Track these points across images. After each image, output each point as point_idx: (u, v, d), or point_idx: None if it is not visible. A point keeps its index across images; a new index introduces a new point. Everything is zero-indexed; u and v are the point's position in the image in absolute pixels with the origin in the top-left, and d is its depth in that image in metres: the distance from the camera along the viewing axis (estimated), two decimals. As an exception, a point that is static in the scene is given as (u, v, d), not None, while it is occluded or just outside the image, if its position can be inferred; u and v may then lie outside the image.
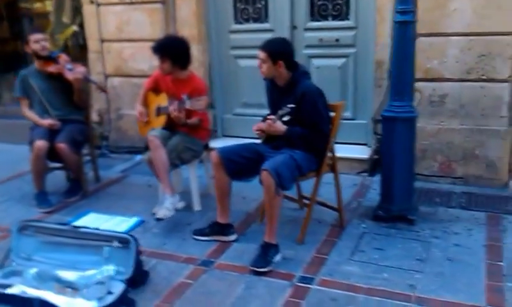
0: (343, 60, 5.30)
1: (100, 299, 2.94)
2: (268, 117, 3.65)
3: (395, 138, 3.89)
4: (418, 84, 4.69)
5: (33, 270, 3.19)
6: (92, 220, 4.20)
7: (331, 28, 5.28)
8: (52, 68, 4.65)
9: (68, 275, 3.15)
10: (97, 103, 6.11)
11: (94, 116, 6.10)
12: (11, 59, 7.36)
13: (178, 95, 4.10)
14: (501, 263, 3.37)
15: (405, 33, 3.76)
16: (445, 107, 4.69)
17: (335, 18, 5.27)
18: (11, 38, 7.62)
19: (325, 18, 5.30)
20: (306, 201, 4.00)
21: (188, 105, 3.96)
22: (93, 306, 2.90)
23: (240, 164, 3.67)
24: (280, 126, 3.58)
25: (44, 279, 3.13)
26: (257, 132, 3.75)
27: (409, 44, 3.80)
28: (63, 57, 4.71)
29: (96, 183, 5.21)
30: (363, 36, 5.14)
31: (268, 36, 5.25)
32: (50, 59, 4.66)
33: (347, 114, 5.33)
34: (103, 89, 5.12)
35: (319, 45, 5.36)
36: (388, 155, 3.96)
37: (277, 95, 3.75)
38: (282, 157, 3.50)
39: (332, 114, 3.76)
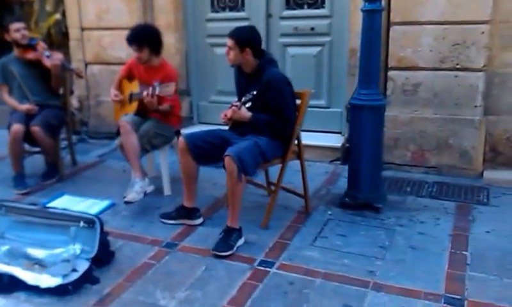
0: (318, 48, 5.29)
1: (64, 276, 2.99)
2: (233, 104, 3.66)
3: (362, 126, 3.89)
4: (391, 73, 4.73)
5: (5, 247, 3.26)
6: (65, 202, 4.21)
7: (307, 17, 5.27)
8: (31, 55, 4.69)
9: (37, 253, 3.19)
10: (77, 90, 6.12)
11: (74, 102, 6.12)
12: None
13: (150, 82, 4.12)
14: (465, 253, 3.34)
15: (372, 22, 3.75)
16: (419, 96, 4.68)
17: (310, 6, 5.26)
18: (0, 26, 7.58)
19: (300, 6, 5.29)
20: (273, 188, 4.01)
21: (157, 91, 3.97)
22: (57, 282, 2.95)
23: (206, 150, 3.67)
24: (245, 113, 3.59)
25: (15, 256, 3.19)
26: (224, 119, 3.76)
27: (376, 33, 3.79)
28: (41, 45, 4.74)
29: (73, 167, 5.24)
30: (338, 24, 5.13)
31: (244, 24, 5.30)
32: (29, 46, 4.70)
33: (322, 102, 5.34)
34: (79, 75, 5.12)
35: (294, 33, 5.35)
36: (356, 143, 3.95)
37: (244, 82, 3.76)
38: (246, 143, 3.50)
39: (298, 101, 3.77)
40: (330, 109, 5.34)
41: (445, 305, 2.80)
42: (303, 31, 5.31)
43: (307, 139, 5.09)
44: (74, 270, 3.05)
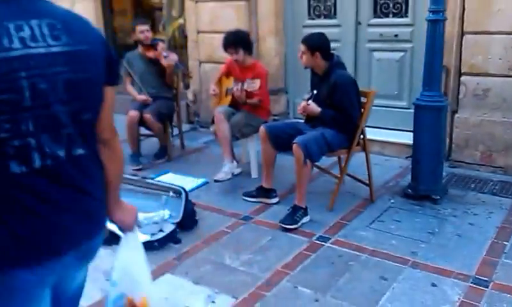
0: (401, 54, 5.43)
1: (152, 234, 3.53)
2: (304, 99, 4.02)
3: (423, 124, 4.06)
4: (463, 78, 4.78)
5: (109, 210, 3.87)
6: (169, 178, 4.78)
7: (391, 24, 5.42)
8: (151, 54, 5.32)
9: (135, 215, 3.77)
10: (192, 85, 6.77)
11: (189, 96, 6.78)
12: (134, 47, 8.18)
13: (243, 79, 4.60)
14: (506, 243, 3.45)
15: (435, 30, 3.91)
16: (488, 101, 4.68)
17: (395, 15, 5.40)
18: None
19: (386, 15, 5.45)
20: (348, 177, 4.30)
21: (245, 86, 4.44)
22: (146, 239, 3.47)
23: (283, 138, 4.03)
24: (315, 108, 3.92)
25: (116, 217, 3.79)
26: (299, 112, 4.12)
27: (439, 40, 3.93)
28: (161, 45, 5.36)
29: (181, 150, 5.85)
30: (419, 32, 5.22)
31: (336, 30, 5.63)
32: (151, 46, 5.33)
33: (404, 103, 5.47)
34: (188, 76, 5.68)
35: (379, 39, 5.52)
36: (418, 140, 4.13)
37: (316, 81, 4.08)
38: (314, 133, 3.84)
39: (364, 100, 4.03)
40: (410, 109, 5.43)
41: (471, 284, 2.97)
42: (388, 37, 5.47)
43: (387, 136, 5.34)
44: (161, 230, 3.57)
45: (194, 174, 4.91)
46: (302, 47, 3.95)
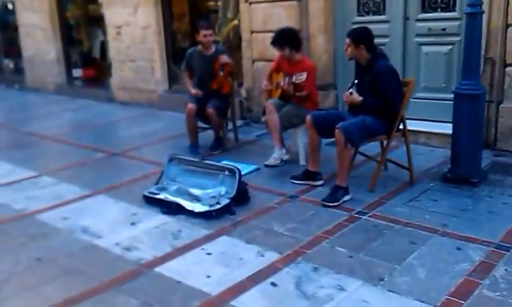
0: (449, 47, 6.02)
1: (211, 206, 4.37)
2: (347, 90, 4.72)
3: (461, 111, 4.66)
4: (508, 69, 5.34)
5: (175, 187, 4.78)
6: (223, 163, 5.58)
7: (439, 19, 6.02)
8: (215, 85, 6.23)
9: (195, 191, 4.61)
10: (246, 82, 7.60)
11: (243, 93, 7.59)
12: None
13: (292, 73, 5.37)
14: (535, 220, 4.02)
15: (474, 23, 4.51)
16: (532, 91, 5.23)
17: (443, 9, 6.00)
18: (192, 31, 9.35)
19: (434, 9, 6.06)
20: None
21: (293, 79, 5.20)
22: (205, 209, 4.32)
23: (326, 125, 4.69)
24: (356, 97, 4.61)
25: (180, 193, 4.66)
26: (344, 101, 4.82)
27: (477, 32, 4.53)
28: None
29: (235, 143, 6.67)
30: (466, 26, 5.82)
31: (385, 26, 6.28)
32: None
33: (451, 95, 6.02)
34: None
35: (427, 34, 6.14)
36: (456, 126, 4.73)
37: (360, 72, 4.77)
38: (355, 119, 4.53)
39: (405, 89, 4.68)
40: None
41: (493, 249, 3.56)
42: (436, 31, 6.08)
43: (434, 127, 5.92)
44: (218, 203, 4.39)
45: (247, 162, 5.67)
46: (347, 40, 4.65)
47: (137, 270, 3.52)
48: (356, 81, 4.61)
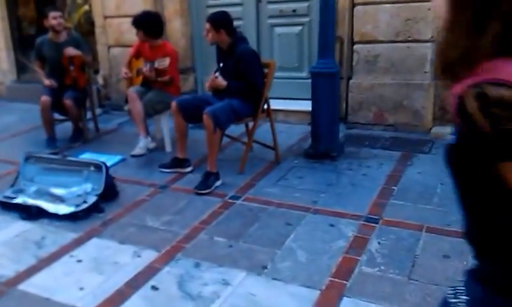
0: (299, 28, 5.92)
1: (77, 206, 3.80)
2: (212, 74, 4.38)
3: (319, 90, 4.55)
4: (356, 46, 5.34)
5: (33, 188, 4.11)
6: (87, 158, 5.00)
7: (289, 0, 5.90)
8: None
9: (58, 191, 4.00)
10: (102, 69, 6.94)
11: (100, 80, 6.93)
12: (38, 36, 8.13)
13: (153, 59, 4.89)
14: (394, 187, 4.01)
15: (327, 3, 4.38)
16: (378, 65, 5.28)
17: (292, -9, 5.90)
18: (38, 17, 8.41)
19: (284, -9, 5.93)
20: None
21: (156, 65, 4.74)
22: (71, 210, 3.75)
23: (193, 111, 4.36)
24: (221, 81, 4.30)
25: (41, 194, 4.02)
26: (207, 87, 4.48)
27: (331, 12, 4.42)
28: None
29: (95, 133, 6.04)
30: (315, 6, 5.68)
31: (238, 9, 6.01)
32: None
33: (303, 74, 5.97)
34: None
35: (279, 15, 5.99)
36: (315, 104, 4.62)
37: (222, 56, 4.45)
38: (221, 103, 4.22)
39: (266, 70, 4.46)
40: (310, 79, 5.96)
41: (363, 222, 3.48)
42: (287, 12, 5.94)
43: (290, 105, 5.81)
44: (85, 202, 3.84)
45: (111, 153, 5.14)
46: (207, 25, 4.30)
47: (-3, 290, 2.93)
48: (221, 65, 4.27)
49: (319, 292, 2.73)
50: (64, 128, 5.81)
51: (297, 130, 5.59)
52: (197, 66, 6.61)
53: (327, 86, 4.52)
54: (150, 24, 4.93)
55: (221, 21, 4.29)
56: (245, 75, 4.26)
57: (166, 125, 5.14)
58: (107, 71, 6.98)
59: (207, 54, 6.51)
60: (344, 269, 2.93)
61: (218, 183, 4.20)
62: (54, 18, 5.41)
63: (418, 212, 3.58)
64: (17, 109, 7.52)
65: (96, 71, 7.04)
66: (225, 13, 4.41)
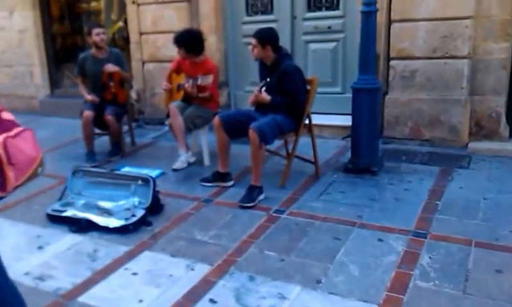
0: (334, 44, 5.96)
1: (126, 219, 3.83)
2: (256, 90, 4.41)
3: (360, 105, 4.56)
4: (392, 62, 5.35)
5: (82, 201, 4.17)
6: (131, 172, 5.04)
7: (325, 17, 5.95)
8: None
9: (106, 204, 4.05)
10: (136, 84, 7.02)
11: (133, 95, 7.00)
12: (71, 51, 8.28)
13: (194, 75, 4.94)
14: (438, 202, 4.00)
15: (368, 21, 4.42)
16: (415, 81, 5.28)
17: (327, 8, 5.93)
18: (72, 33, 8.57)
19: (319, 9, 5.97)
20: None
21: (198, 81, 4.79)
22: (121, 223, 3.79)
23: (235, 126, 4.40)
24: (265, 96, 4.33)
25: (89, 207, 4.06)
26: (250, 102, 4.51)
27: (372, 29, 4.44)
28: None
29: (132, 146, 6.11)
30: (350, 23, 5.78)
31: (274, 25, 6.02)
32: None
33: (338, 89, 6.01)
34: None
35: (314, 31, 6.03)
36: (356, 119, 4.63)
37: (266, 72, 4.49)
38: (266, 118, 4.24)
39: (309, 87, 4.48)
40: (344, 94, 5.98)
41: (412, 237, 3.46)
42: (322, 29, 5.99)
43: (325, 120, 5.83)
44: (133, 215, 3.87)
45: (149, 167, 5.18)
46: (253, 41, 4.35)
47: (57, 303, 2.95)
48: (268, 79, 4.31)
49: (377, 307, 2.73)
50: (102, 142, 5.89)
51: (332, 144, 5.60)
52: (231, 81, 6.67)
53: (368, 101, 4.53)
54: (191, 42, 4.98)
55: (267, 37, 4.34)
56: (289, 90, 4.29)
57: (204, 139, 5.18)
58: (140, 86, 7.06)
59: (241, 69, 6.59)
60: (398, 284, 2.92)
61: (262, 197, 4.22)
62: (97, 34, 5.51)
63: (464, 227, 3.56)
64: (51, 124, 7.63)
65: (131, 86, 7.11)
66: (271, 30, 4.45)
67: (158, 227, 3.85)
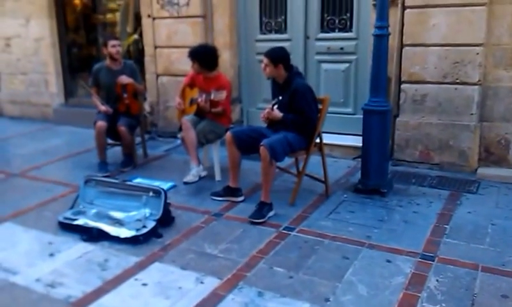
0: (346, 65, 6.01)
1: (137, 230, 3.87)
2: (268, 107, 4.46)
3: (371, 126, 4.60)
4: (403, 86, 5.40)
5: (93, 211, 4.21)
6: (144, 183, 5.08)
7: (337, 38, 6.00)
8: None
9: (117, 215, 4.08)
10: (149, 96, 7.10)
11: (147, 107, 7.06)
12: (86, 61, 8.38)
13: (208, 90, 4.99)
14: (446, 226, 4.02)
15: (381, 44, 4.47)
16: (426, 105, 5.31)
17: (340, 30, 5.99)
18: (87, 43, 8.69)
19: (332, 30, 6.03)
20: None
21: (212, 96, 4.84)
22: (131, 234, 3.83)
23: (247, 142, 4.45)
24: (277, 113, 4.38)
25: (101, 217, 4.10)
26: (262, 119, 4.56)
27: (384, 52, 4.49)
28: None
29: (144, 158, 6.15)
30: (362, 45, 5.83)
31: (287, 44, 6.12)
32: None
33: (349, 110, 6.05)
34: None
35: (327, 52, 6.09)
36: (366, 140, 4.66)
37: (277, 90, 4.54)
38: (277, 136, 4.29)
39: (320, 106, 4.53)
40: (356, 115, 6.02)
41: (420, 259, 3.48)
42: (334, 50, 6.05)
43: (336, 139, 5.87)
44: (144, 226, 3.92)
45: (160, 179, 5.21)
46: (265, 60, 4.41)
47: (68, 309, 3.00)
48: (280, 98, 4.36)
49: (385, 328, 2.74)
50: (115, 152, 5.94)
51: (343, 164, 5.64)
52: (243, 97, 6.73)
53: (378, 123, 4.57)
54: (205, 57, 5.04)
55: (279, 56, 4.40)
56: (300, 108, 4.33)
57: (216, 154, 5.22)
58: (154, 98, 7.13)
59: (253, 85, 6.65)
60: (406, 305, 2.95)
61: (271, 213, 4.26)
62: (113, 46, 5.59)
63: (471, 251, 3.58)
64: (64, 132, 7.72)
65: (144, 99, 7.18)
66: (283, 49, 4.51)
67: (168, 239, 3.88)
